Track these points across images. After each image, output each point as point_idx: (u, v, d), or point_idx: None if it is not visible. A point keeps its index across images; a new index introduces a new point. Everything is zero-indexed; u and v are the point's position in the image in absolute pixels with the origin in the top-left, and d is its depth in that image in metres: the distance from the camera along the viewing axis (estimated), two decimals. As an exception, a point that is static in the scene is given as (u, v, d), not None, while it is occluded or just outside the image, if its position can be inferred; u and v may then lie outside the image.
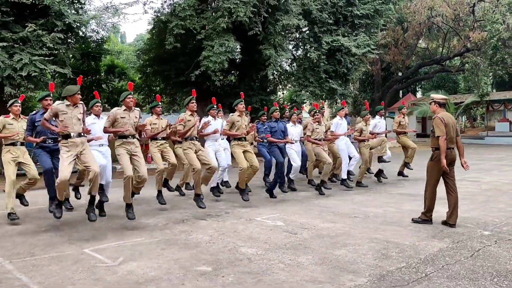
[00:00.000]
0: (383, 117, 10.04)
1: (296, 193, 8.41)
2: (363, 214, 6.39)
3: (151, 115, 7.53)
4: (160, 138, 7.44)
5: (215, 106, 8.16)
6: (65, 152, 5.35)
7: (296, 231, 5.46)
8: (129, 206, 6.03)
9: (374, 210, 6.70)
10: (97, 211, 6.40)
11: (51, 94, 6.08)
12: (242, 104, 7.55)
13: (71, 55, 12.40)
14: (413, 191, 8.28)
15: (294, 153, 8.54)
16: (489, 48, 21.15)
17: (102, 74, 19.37)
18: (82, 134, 5.53)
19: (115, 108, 6.18)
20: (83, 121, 5.61)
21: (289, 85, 22.52)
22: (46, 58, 10.32)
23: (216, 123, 8.09)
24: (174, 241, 5.06)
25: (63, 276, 3.91)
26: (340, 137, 8.93)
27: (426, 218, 5.68)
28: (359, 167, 9.25)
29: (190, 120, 7.03)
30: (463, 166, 5.71)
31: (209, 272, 3.99)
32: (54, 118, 5.43)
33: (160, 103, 7.71)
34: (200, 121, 7.56)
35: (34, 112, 6.23)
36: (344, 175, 8.93)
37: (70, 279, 3.85)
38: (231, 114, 7.65)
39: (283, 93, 26.42)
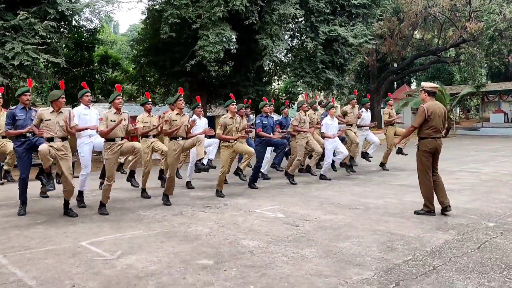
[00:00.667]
0: (368, 110, 10.09)
1: (294, 185, 8.30)
2: (364, 206, 6.30)
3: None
4: (151, 136, 7.47)
5: (199, 105, 8.10)
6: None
7: (297, 223, 5.35)
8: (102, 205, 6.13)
9: (374, 201, 6.61)
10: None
11: (29, 90, 6.10)
12: (234, 105, 7.21)
13: (64, 45, 12.13)
14: (412, 182, 8.16)
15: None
16: (486, 38, 21.03)
17: (96, 64, 19.04)
18: (67, 138, 5.83)
19: (106, 110, 6.15)
20: (69, 123, 5.78)
21: (285, 76, 22.37)
22: (39, 47, 10.08)
23: (201, 122, 8.04)
24: (173, 234, 4.94)
25: (60, 270, 3.78)
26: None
27: (428, 209, 5.60)
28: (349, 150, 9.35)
29: (176, 120, 6.66)
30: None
31: (210, 265, 3.88)
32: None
33: (150, 100, 7.63)
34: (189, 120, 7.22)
35: (14, 106, 6.24)
36: (323, 172, 8.95)
37: (67, 273, 3.72)
38: (223, 116, 7.32)
39: (278, 84, 26.24)
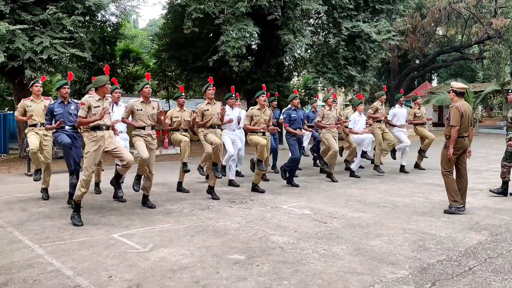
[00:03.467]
0: (403, 106, 9.60)
1: (319, 182, 8.28)
2: (391, 204, 6.24)
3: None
4: (182, 130, 7.29)
5: (233, 95, 7.95)
6: (93, 146, 5.19)
7: (325, 220, 5.34)
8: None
9: (401, 199, 6.55)
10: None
11: (69, 83, 6.11)
12: (263, 96, 7.17)
13: (89, 39, 12.28)
14: (439, 181, 8.03)
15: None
16: (512, 35, 20.62)
17: (117, 59, 19.28)
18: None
19: (133, 100, 6.15)
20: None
21: (304, 71, 22.27)
22: (66, 42, 10.23)
23: (234, 112, 7.92)
24: (202, 228, 4.98)
25: (95, 262, 3.85)
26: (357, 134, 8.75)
27: (457, 204, 5.54)
28: (374, 149, 9.28)
29: (207, 109, 6.72)
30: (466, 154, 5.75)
31: (243, 260, 3.90)
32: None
33: (183, 94, 7.44)
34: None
35: (53, 102, 6.20)
36: (354, 167, 8.87)
37: (102, 264, 3.79)
38: (251, 107, 7.41)
39: (298, 80, 26.14)
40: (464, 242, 4.41)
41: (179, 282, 3.41)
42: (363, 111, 9.01)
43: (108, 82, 5.55)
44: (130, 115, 6.03)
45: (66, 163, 5.88)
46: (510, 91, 7.16)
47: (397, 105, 9.56)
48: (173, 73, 20.26)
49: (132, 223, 5.23)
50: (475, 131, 21.98)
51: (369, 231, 4.84)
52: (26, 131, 6.75)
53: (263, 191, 7.13)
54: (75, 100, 6.17)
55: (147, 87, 6.01)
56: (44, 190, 6.67)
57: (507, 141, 6.71)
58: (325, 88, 17.86)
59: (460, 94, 5.68)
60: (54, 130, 5.94)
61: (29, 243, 4.41)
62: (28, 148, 6.62)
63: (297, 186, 7.68)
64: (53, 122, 5.88)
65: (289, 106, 7.83)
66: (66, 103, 5.95)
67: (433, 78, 39.16)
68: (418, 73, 30.50)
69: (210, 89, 6.80)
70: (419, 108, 9.68)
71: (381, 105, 9.13)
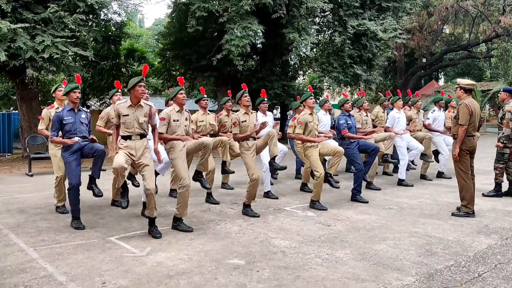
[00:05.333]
0: (442, 109, 8.55)
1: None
2: (397, 206, 6.08)
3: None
4: (208, 136, 6.29)
5: (265, 99, 7.04)
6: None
7: (329, 222, 5.18)
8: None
9: (408, 201, 6.38)
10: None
11: (79, 86, 5.30)
12: (312, 99, 6.13)
13: (92, 38, 12.18)
14: (447, 182, 7.91)
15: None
16: (521, 33, 20.30)
17: (122, 58, 19.18)
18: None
19: (167, 109, 5.14)
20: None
21: (310, 71, 22.08)
22: (68, 40, 10.13)
23: (268, 119, 6.83)
24: (202, 231, 4.84)
25: (90, 266, 3.72)
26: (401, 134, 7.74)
27: (467, 210, 5.35)
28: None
29: (245, 121, 5.71)
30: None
31: (242, 265, 3.75)
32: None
33: (205, 96, 6.61)
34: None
35: (61, 109, 5.24)
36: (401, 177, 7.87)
37: (97, 269, 3.66)
38: (302, 112, 6.10)
39: (303, 79, 25.95)
40: (473, 246, 4.24)
41: (175, 288, 3.28)
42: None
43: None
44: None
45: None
46: (501, 90, 6.97)
47: (435, 108, 8.66)
48: (178, 72, 20.15)
49: (131, 225, 5.11)
50: (482, 130, 21.70)
51: (374, 234, 4.68)
52: (52, 148, 5.79)
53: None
54: (83, 108, 5.30)
55: (181, 93, 5.05)
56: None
57: (498, 142, 6.56)
58: (331, 87, 17.68)
59: (469, 91, 5.50)
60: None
61: (24, 246, 4.29)
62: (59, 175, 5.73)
63: (366, 202, 6.38)
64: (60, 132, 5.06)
65: (342, 111, 6.80)
66: (76, 110, 5.09)
67: (440, 77, 38.78)
68: (425, 72, 30.17)
69: (246, 96, 5.80)
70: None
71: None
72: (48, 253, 4.09)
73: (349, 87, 18.22)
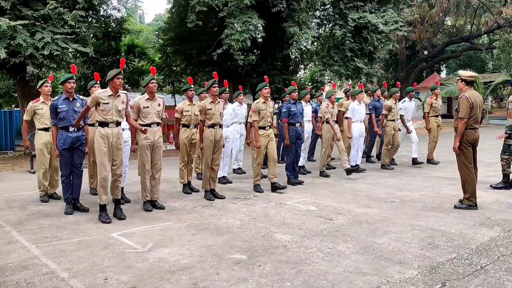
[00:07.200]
0: (412, 100, 9.27)
1: (325, 177, 8.09)
2: (400, 199, 6.06)
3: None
4: (192, 126, 6.72)
5: (227, 89, 7.48)
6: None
7: (331, 216, 5.18)
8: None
9: (410, 194, 6.36)
10: None
11: (74, 77, 5.61)
12: (266, 89, 6.73)
13: (92, 34, 12.16)
14: (449, 174, 7.88)
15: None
16: (523, 24, 20.16)
17: (122, 54, 19.16)
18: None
19: (137, 97, 5.73)
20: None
21: (311, 64, 22.01)
22: (68, 37, 10.11)
23: (242, 108, 7.95)
24: (204, 226, 4.84)
25: (92, 263, 3.72)
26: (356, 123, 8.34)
27: (470, 203, 5.33)
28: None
29: (210, 109, 6.16)
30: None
31: (244, 260, 3.75)
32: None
33: (192, 86, 6.90)
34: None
35: (56, 98, 5.63)
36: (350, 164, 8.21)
37: (99, 265, 3.66)
38: (255, 101, 6.94)
39: (304, 73, 25.88)
40: (476, 238, 4.22)
41: (177, 284, 3.28)
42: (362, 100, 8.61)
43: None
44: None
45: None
46: (509, 83, 6.96)
47: (406, 98, 9.21)
48: (179, 68, 20.12)
49: (133, 221, 5.10)
50: (485, 123, 21.63)
51: (376, 228, 4.67)
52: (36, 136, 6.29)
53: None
54: (80, 97, 5.73)
55: (152, 82, 5.60)
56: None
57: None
58: (332, 81, 17.64)
59: (470, 83, 5.43)
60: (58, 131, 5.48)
61: (26, 243, 4.30)
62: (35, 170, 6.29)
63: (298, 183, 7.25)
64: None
65: (288, 99, 7.45)
66: (71, 99, 5.46)
67: (442, 69, 38.66)
68: (426, 64, 30.05)
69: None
70: (436, 99, 9.25)
71: (395, 103, 8.61)
72: (51, 250, 4.09)
73: (350, 80, 18.17)
